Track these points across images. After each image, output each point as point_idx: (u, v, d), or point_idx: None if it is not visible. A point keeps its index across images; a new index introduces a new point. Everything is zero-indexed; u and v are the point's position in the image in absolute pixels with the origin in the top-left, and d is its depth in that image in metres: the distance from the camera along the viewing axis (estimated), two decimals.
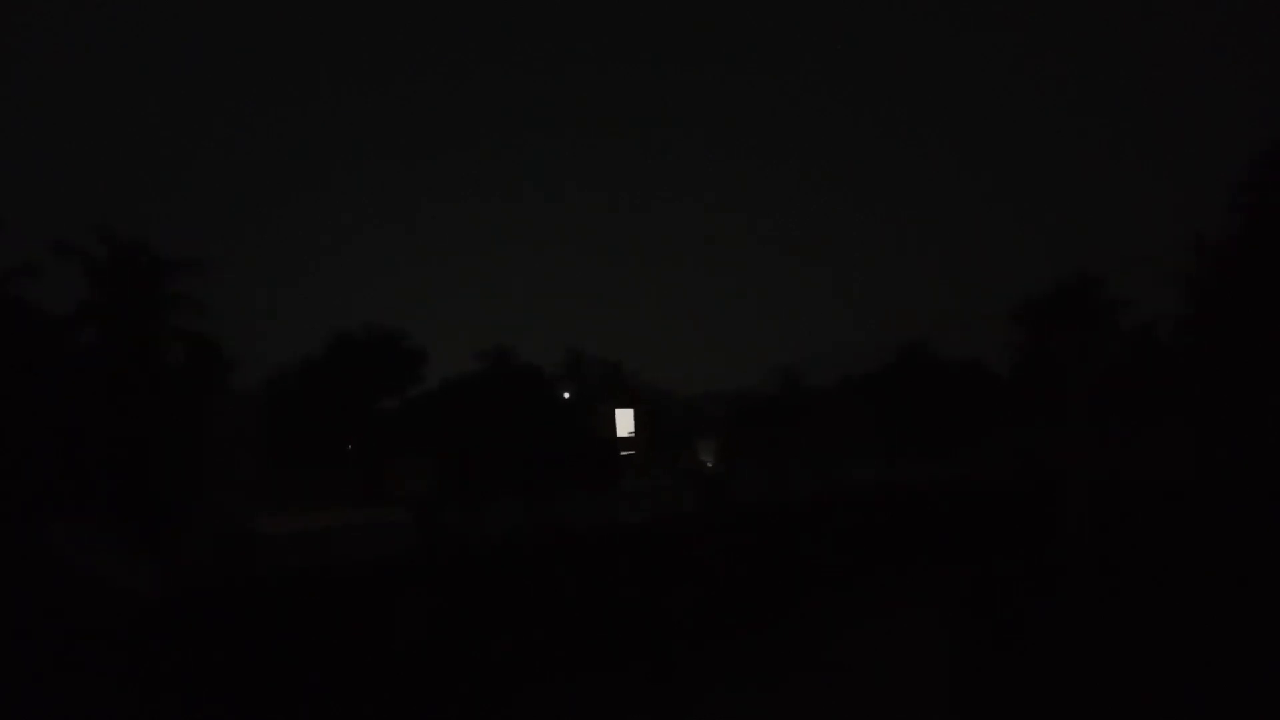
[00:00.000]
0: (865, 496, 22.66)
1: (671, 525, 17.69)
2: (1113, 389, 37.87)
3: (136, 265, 26.83)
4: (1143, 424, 35.49)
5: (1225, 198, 31.62)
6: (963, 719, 11.02)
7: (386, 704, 11.30)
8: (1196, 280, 32.53)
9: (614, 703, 12.04)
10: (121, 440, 23.47)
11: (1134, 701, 10.63)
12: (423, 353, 45.26)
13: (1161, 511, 19.45)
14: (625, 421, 55.18)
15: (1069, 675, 11.49)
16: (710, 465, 57.13)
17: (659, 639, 13.92)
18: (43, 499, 19.77)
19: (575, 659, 12.94)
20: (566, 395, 52.55)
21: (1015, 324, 43.94)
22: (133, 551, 17.80)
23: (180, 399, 25.98)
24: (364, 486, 36.62)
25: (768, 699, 11.82)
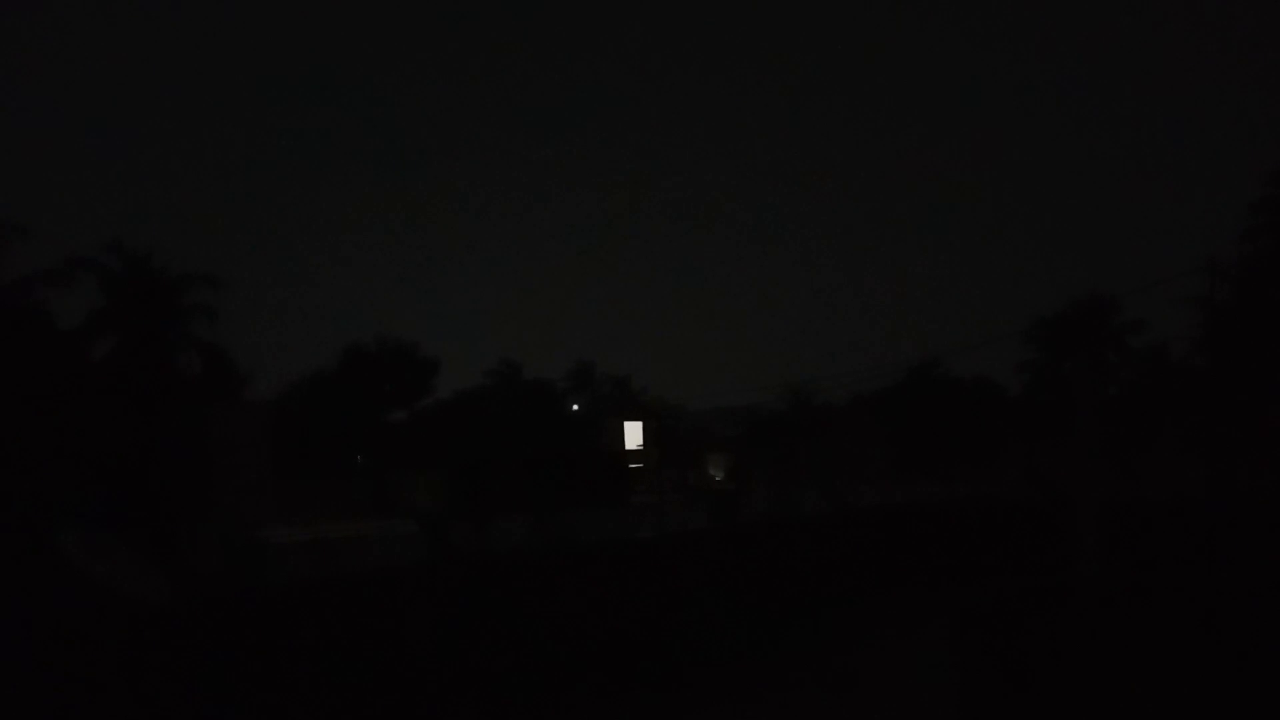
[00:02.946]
0: (875, 515, 22.62)
1: (680, 541, 17.68)
2: (1125, 409, 37.74)
3: (150, 277, 27.06)
4: (1155, 444, 35.31)
5: (1239, 214, 31.59)
6: None
7: (392, 715, 11.29)
8: (1210, 302, 32.43)
9: (621, 716, 12.02)
10: (133, 449, 23.59)
11: None
12: (434, 364, 45.41)
13: (1174, 533, 19.33)
14: (634, 435, 55.10)
15: (1081, 700, 11.41)
16: (719, 480, 57.03)
17: (667, 654, 13.90)
18: (55, 507, 19.88)
19: (583, 672, 12.93)
20: (575, 408, 52.62)
21: (1027, 343, 43.89)
22: (143, 560, 17.87)
23: (191, 409, 26.13)
24: (373, 498, 36.69)
25: (775, 714, 11.79)
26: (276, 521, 24.91)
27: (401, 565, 16.20)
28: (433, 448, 41.66)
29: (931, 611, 17.26)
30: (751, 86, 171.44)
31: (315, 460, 37.27)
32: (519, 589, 13.23)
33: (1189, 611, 14.55)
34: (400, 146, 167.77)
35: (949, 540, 21.08)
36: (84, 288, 26.03)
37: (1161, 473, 33.11)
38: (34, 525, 17.82)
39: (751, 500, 43.84)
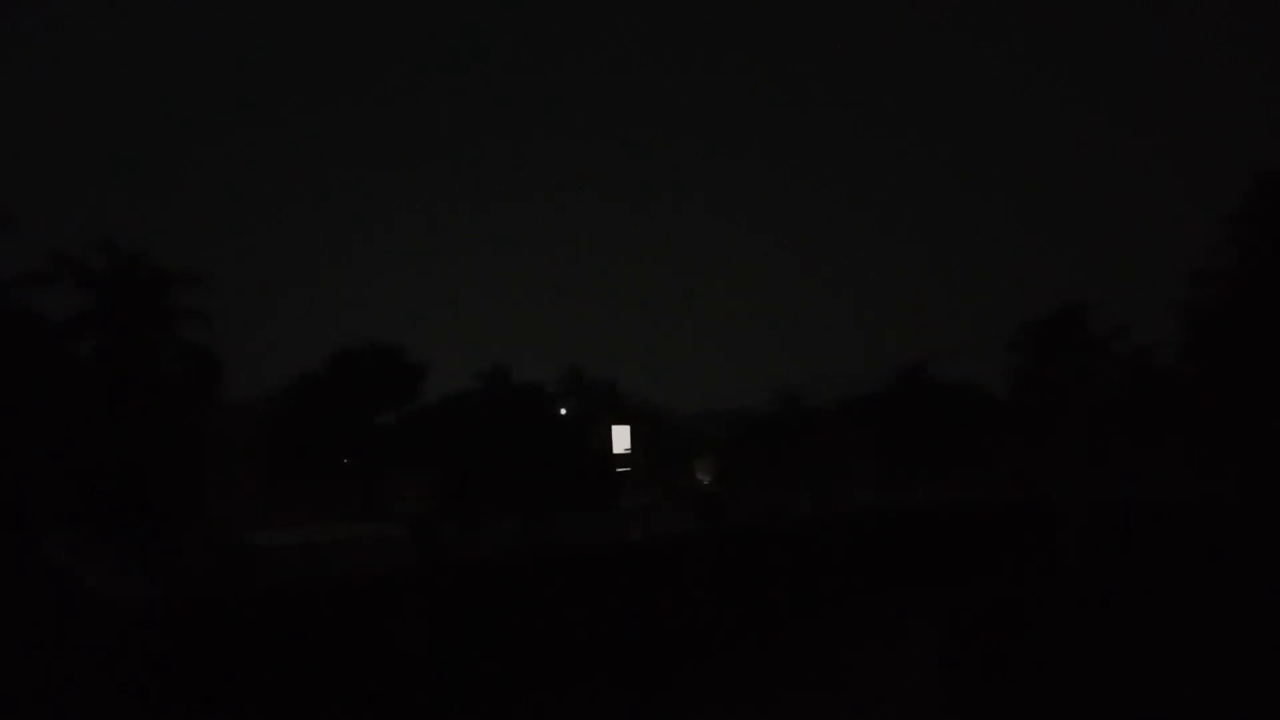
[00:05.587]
0: (862, 518, 22.67)
1: (669, 545, 17.69)
2: (1110, 413, 37.97)
3: (137, 277, 26.90)
4: (1140, 448, 35.53)
5: (1222, 223, 31.79)
6: None
7: (382, 718, 11.27)
8: (1195, 308, 32.65)
9: (610, 719, 12.04)
10: (120, 451, 23.46)
11: None
12: (422, 367, 45.29)
13: (1160, 536, 19.46)
14: (622, 439, 55.09)
15: (1062, 697, 11.49)
16: (707, 484, 57.06)
17: (656, 658, 13.91)
18: (41, 510, 19.76)
19: (572, 676, 12.93)
20: (564, 411, 52.55)
21: (1013, 349, 44.04)
22: (130, 563, 17.78)
23: (179, 411, 26.00)
24: (362, 501, 36.57)
25: (768, 716, 11.82)
26: (265, 524, 24.81)
27: (390, 568, 16.15)
28: (422, 451, 41.57)
29: (920, 613, 17.33)
30: (744, 90, 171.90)
31: (304, 463, 37.14)
32: (508, 592, 13.23)
33: (1170, 613, 14.64)
34: (392, 151, 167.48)
35: (937, 543, 21.16)
36: (67, 286, 25.86)
37: (1150, 476, 33.31)
38: (20, 527, 17.71)
39: (740, 503, 43.92)
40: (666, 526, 35.18)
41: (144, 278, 26.99)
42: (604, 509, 40.38)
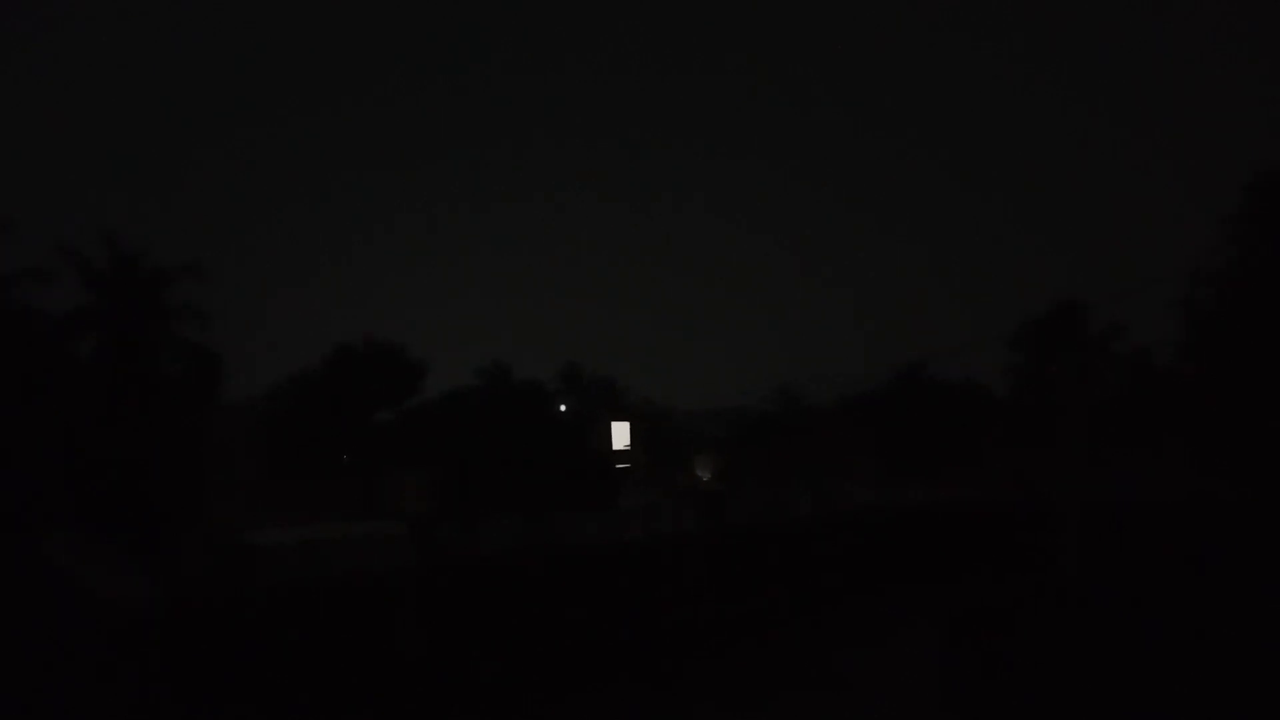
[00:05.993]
0: (861, 517, 22.70)
1: (669, 543, 17.72)
2: (1110, 413, 37.95)
3: (137, 273, 26.87)
4: (1140, 448, 35.52)
5: (1222, 223, 31.79)
6: None
7: (381, 718, 11.29)
8: (1195, 307, 32.63)
9: (610, 717, 12.05)
10: (119, 450, 23.45)
11: None
12: (422, 366, 45.30)
13: (1159, 535, 19.48)
14: (622, 436, 55.03)
15: (1062, 702, 11.50)
16: (707, 481, 57.06)
17: (656, 656, 13.93)
18: (41, 510, 19.76)
19: (572, 675, 12.95)
20: (563, 408, 52.57)
21: (1013, 348, 44.03)
22: (130, 563, 17.79)
23: (178, 409, 25.98)
24: (361, 499, 36.54)
25: (760, 715, 11.84)
26: (264, 523, 24.81)
27: (390, 568, 16.18)
28: (421, 448, 41.55)
29: (919, 612, 17.37)
30: (744, 90, 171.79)
31: (303, 461, 37.13)
32: (508, 591, 13.24)
33: (1168, 613, 14.65)
34: (392, 151, 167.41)
35: (936, 542, 21.19)
36: (66, 283, 25.80)
37: (1149, 475, 33.28)
38: (19, 527, 17.71)
39: (740, 501, 43.90)
40: (666, 525, 35.19)
41: (144, 276, 26.96)
42: (604, 507, 40.35)
